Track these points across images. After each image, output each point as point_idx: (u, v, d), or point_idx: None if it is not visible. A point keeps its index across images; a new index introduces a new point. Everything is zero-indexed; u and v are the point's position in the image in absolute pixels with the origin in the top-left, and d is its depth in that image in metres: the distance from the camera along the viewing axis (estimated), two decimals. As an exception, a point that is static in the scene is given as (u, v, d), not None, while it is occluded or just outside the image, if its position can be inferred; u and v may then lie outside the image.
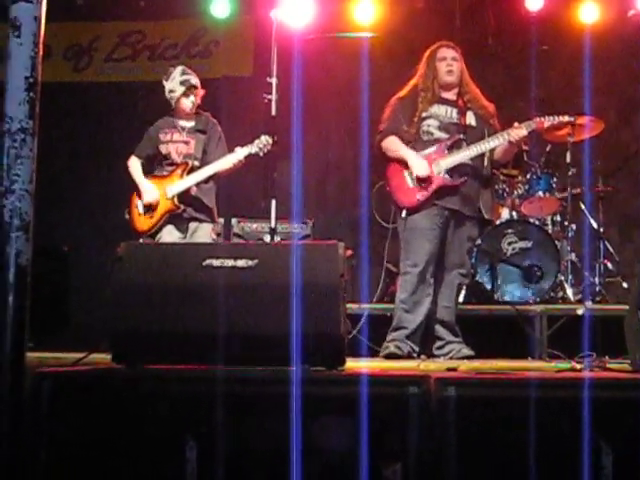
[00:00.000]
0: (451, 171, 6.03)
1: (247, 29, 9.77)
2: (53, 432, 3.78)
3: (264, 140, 6.40)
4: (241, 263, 4.12)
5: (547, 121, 6.14)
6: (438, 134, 6.11)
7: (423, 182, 6.01)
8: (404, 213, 6.06)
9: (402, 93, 6.28)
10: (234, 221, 8.00)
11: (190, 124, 6.70)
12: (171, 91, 6.66)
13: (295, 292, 3.93)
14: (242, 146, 6.43)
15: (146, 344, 4.11)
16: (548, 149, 8.14)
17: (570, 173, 7.88)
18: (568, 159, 7.93)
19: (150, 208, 6.57)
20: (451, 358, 5.91)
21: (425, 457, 3.70)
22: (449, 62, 6.20)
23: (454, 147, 6.08)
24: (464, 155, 6.04)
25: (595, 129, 7.97)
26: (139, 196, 6.64)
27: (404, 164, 6.08)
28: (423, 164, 6.00)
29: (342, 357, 4.14)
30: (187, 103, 6.65)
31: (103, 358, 4.34)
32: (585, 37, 8.38)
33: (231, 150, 6.54)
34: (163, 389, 3.85)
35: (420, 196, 6.02)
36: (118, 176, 6.77)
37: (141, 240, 6.53)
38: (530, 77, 8.41)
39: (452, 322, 6.11)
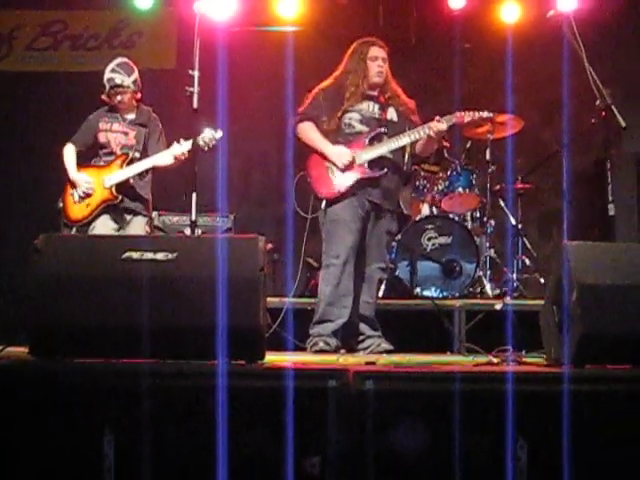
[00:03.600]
0: (371, 164, 6.05)
1: (170, 21, 9.71)
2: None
3: (209, 134, 6.34)
4: (160, 256, 4.10)
5: (467, 116, 6.20)
6: (359, 127, 6.12)
7: (344, 172, 6.02)
8: (324, 204, 6.06)
9: (325, 84, 6.26)
10: (155, 214, 7.93)
11: (131, 116, 6.62)
12: (103, 85, 6.58)
13: (215, 285, 3.92)
14: (185, 139, 6.35)
15: (64, 337, 4.06)
16: (468, 146, 8.24)
17: (490, 170, 7.99)
18: (488, 156, 8.04)
19: (86, 197, 6.45)
20: (370, 352, 5.94)
21: (344, 450, 3.72)
22: (380, 63, 6.19)
23: (375, 140, 6.09)
24: (385, 148, 6.06)
25: (515, 127, 8.09)
26: (72, 186, 6.53)
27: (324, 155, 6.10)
28: (342, 152, 6.02)
29: (262, 350, 4.15)
30: (115, 100, 6.57)
31: (21, 351, 4.29)
32: (507, 36, 8.49)
33: (170, 143, 6.49)
34: (81, 382, 3.82)
35: (340, 187, 6.03)
36: (37, 166, 6.67)
37: (74, 229, 6.45)
38: (452, 74, 8.49)
39: (372, 317, 6.14)
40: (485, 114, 6.33)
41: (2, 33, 9.91)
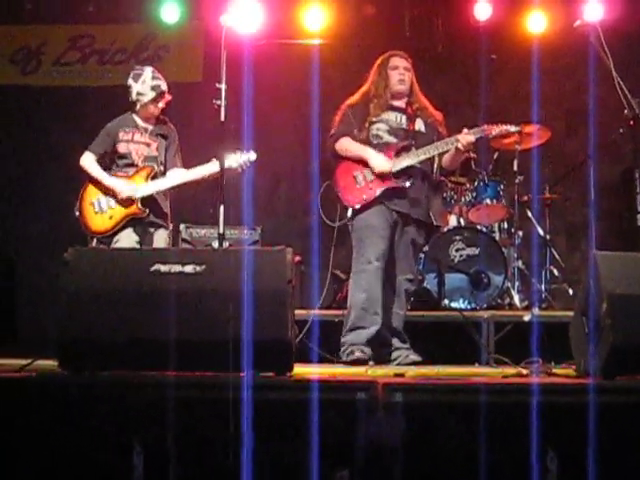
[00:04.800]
0: (399, 174, 6.05)
1: (197, 34, 9.75)
2: (-2, 438, 3.75)
3: (244, 157, 6.25)
4: (189, 269, 4.12)
5: (494, 130, 6.20)
6: (387, 138, 6.15)
7: (372, 182, 6.04)
8: (350, 212, 6.07)
9: (352, 100, 6.31)
10: (182, 227, 7.96)
11: (151, 127, 6.55)
12: (140, 94, 6.47)
13: (243, 298, 3.93)
14: (217, 158, 6.09)
15: (93, 350, 4.08)
16: (495, 157, 8.20)
17: (517, 181, 7.95)
18: (515, 167, 8.01)
19: (109, 207, 6.35)
20: (399, 364, 5.92)
21: (372, 462, 3.71)
22: (401, 71, 6.24)
23: (402, 151, 6.10)
24: (413, 159, 6.07)
25: (542, 137, 8.05)
26: (103, 192, 6.40)
27: (356, 164, 6.10)
28: (383, 160, 6.03)
29: (290, 363, 4.15)
30: (154, 109, 6.49)
31: (50, 364, 4.31)
32: (533, 47, 8.47)
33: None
34: (110, 395, 3.84)
35: (366, 196, 6.04)
36: (65, 180, 6.68)
37: (95, 241, 6.37)
38: (479, 85, 8.48)
39: (400, 328, 6.12)
40: (512, 128, 6.33)
41: (31, 48, 9.98)
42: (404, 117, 6.22)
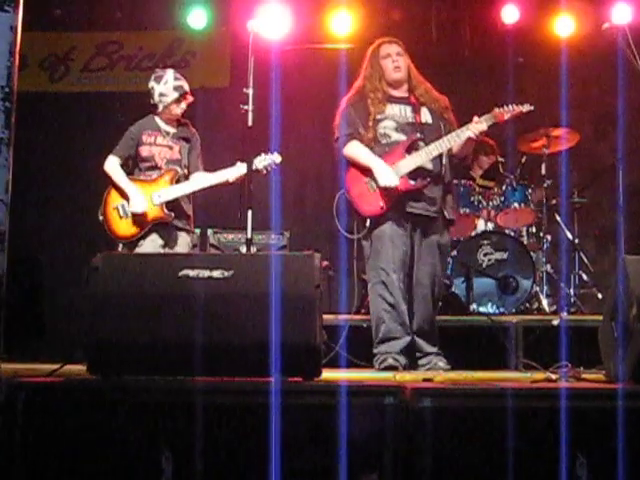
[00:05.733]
0: (412, 174, 5.87)
1: (224, 40, 9.79)
2: (27, 443, 3.76)
3: (269, 159, 6.28)
4: (217, 274, 4.12)
5: (507, 112, 5.99)
6: (396, 136, 5.95)
7: (385, 189, 5.86)
8: (368, 223, 5.91)
9: (349, 97, 6.13)
10: (210, 232, 7.98)
11: (173, 130, 6.56)
12: (162, 95, 6.48)
13: (271, 303, 3.93)
14: (242, 161, 6.22)
15: (122, 355, 4.09)
16: (523, 161, 8.18)
17: (545, 185, 7.93)
18: (543, 171, 7.98)
19: (135, 214, 6.36)
20: (428, 369, 5.86)
21: (401, 467, 3.70)
22: (394, 58, 6.06)
23: (413, 148, 5.91)
24: (424, 155, 5.87)
25: (570, 141, 8.02)
26: (125, 198, 6.40)
27: (366, 170, 5.93)
28: (390, 174, 5.83)
29: (318, 367, 4.14)
30: (177, 110, 6.51)
31: (78, 369, 4.33)
32: (561, 50, 8.43)
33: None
34: (139, 400, 3.84)
35: (383, 203, 5.86)
36: (94, 185, 6.71)
37: (120, 245, 6.39)
38: (506, 89, 8.45)
39: (430, 331, 5.96)
40: (525, 107, 6.05)
41: (59, 55, 10.06)
42: (408, 109, 6.02)
